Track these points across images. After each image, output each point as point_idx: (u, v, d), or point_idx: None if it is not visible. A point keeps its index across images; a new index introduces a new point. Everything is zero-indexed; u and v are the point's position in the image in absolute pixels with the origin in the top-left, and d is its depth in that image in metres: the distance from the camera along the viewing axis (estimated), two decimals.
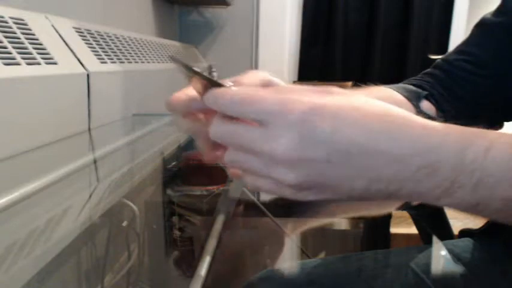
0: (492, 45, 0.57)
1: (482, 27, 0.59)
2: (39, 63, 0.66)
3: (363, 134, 0.28)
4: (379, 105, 0.30)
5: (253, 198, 0.52)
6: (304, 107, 0.28)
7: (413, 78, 0.63)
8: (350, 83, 1.91)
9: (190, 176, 0.67)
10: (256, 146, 0.29)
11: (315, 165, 0.28)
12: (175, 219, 0.51)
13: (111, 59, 0.94)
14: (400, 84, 0.59)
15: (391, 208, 0.61)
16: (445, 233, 0.69)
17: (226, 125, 0.30)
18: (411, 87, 0.58)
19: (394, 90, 0.55)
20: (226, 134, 0.30)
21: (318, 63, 2.24)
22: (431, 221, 0.70)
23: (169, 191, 0.59)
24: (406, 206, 0.59)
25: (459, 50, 0.61)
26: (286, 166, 0.28)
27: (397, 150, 0.28)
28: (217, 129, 0.31)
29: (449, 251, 0.57)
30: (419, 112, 0.54)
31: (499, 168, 0.28)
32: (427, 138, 0.28)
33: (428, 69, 0.63)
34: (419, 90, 0.58)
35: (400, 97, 0.54)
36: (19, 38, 0.65)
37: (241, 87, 0.31)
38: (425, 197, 0.29)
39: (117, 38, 1.06)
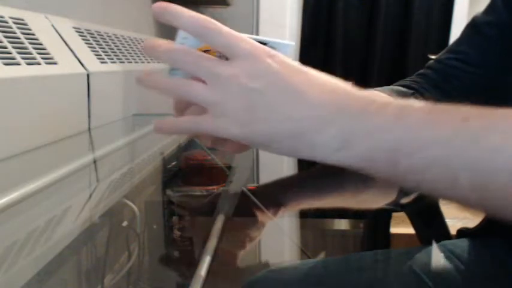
0: (482, 43, 0.58)
1: (472, 26, 0.60)
2: (39, 63, 0.66)
3: (297, 78, 0.33)
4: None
5: (253, 198, 0.52)
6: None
7: (406, 79, 0.64)
8: (350, 83, 1.91)
9: (190, 176, 0.67)
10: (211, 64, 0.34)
11: (250, 92, 0.32)
12: (175, 219, 0.51)
13: (111, 59, 0.94)
14: (390, 86, 0.60)
15: (383, 202, 0.61)
16: (441, 232, 0.69)
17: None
18: (399, 88, 0.59)
19: (380, 91, 0.56)
20: (184, 53, 0.36)
21: (318, 63, 2.23)
22: (427, 220, 0.70)
23: (169, 191, 0.59)
24: (398, 204, 0.59)
25: (450, 49, 0.62)
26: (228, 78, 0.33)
27: (312, 97, 0.32)
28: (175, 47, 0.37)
29: (450, 251, 0.57)
30: None
31: (387, 120, 0.30)
32: (344, 100, 0.32)
33: (421, 70, 0.64)
34: (405, 90, 0.58)
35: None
36: (19, 38, 0.65)
37: None
38: (325, 147, 0.31)
39: (117, 38, 1.06)
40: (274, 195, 0.58)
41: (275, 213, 0.51)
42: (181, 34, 0.37)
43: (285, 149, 0.33)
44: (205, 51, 0.36)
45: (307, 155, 0.33)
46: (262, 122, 0.32)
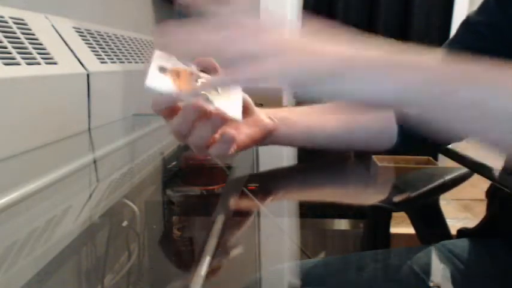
0: (475, 42, 0.58)
1: (466, 26, 0.60)
2: (39, 63, 0.66)
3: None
4: None
5: (254, 198, 0.52)
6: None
7: None
8: None
9: (190, 176, 0.67)
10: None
11: (291, 41, 0.35)
12: (175, 219, 0.51)
13: (111, 59, 0.94)
14: None
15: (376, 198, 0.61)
16: (441, 232, 0.69)
17: None
18: None
19: None
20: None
21: None
22: (427, 220, 0.70)
23: (169, 191, 0.59)
24: (391, 202, 0.59)
25: (444, 49, 0.62)
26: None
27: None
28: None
29: (449, 250, 0.57)
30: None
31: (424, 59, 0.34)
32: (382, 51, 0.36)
33: None
34: None
35: None
36: (19, 38, 0.65)
37: None
38: (367, 79, 0.32)
39: (117, 38, 1.06)
40: (269, 184, 0.58)
41: (267, 201, 0.51)
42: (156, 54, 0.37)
43: (327, 88, 0.33)
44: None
45: (351, 89, 0.33)
46: (308, 61, 0.33)
